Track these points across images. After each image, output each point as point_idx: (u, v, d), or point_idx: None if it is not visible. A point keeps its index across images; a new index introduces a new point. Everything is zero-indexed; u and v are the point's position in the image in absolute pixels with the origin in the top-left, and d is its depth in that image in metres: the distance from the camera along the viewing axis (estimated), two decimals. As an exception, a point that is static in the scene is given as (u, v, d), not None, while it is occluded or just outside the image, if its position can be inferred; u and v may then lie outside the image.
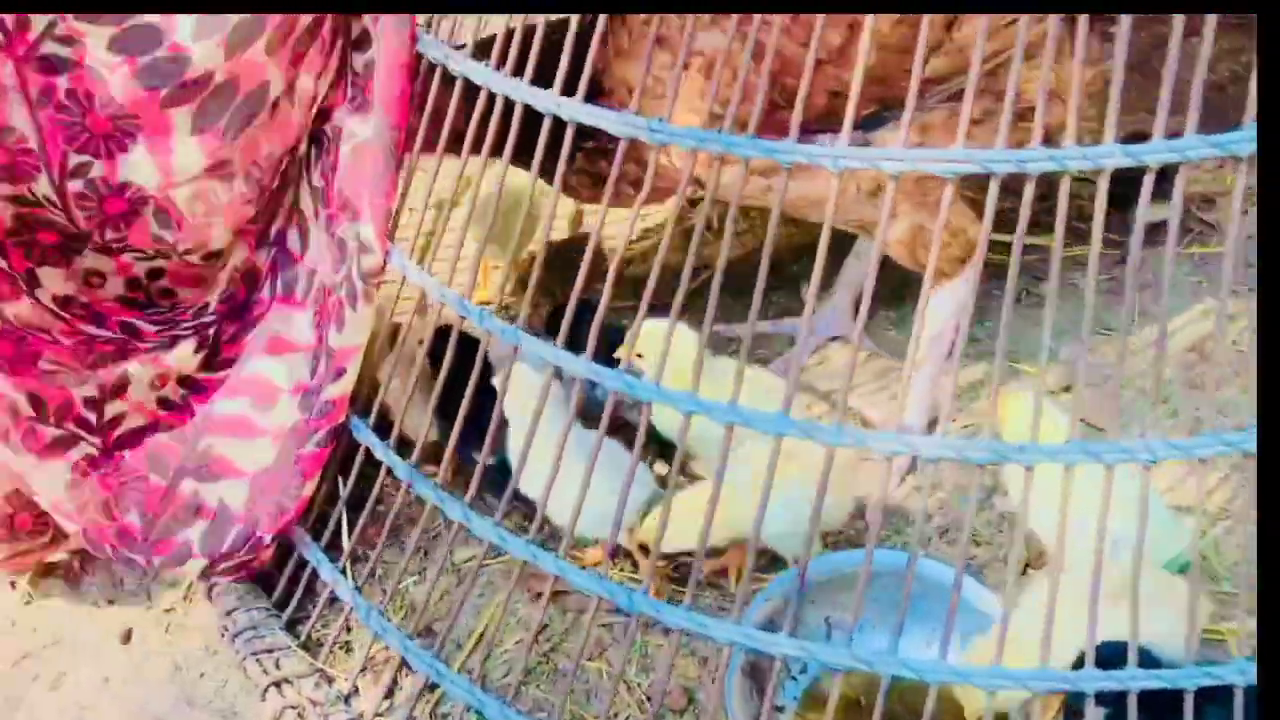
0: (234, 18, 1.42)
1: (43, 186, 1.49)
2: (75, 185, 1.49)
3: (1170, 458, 1.21)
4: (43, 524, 1.67)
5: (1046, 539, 1.27)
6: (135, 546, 1.61)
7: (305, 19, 1.47)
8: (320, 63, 1.56)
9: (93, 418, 1.61)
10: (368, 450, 1.61)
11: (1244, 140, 1.13)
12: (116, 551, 1.61)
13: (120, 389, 1.62)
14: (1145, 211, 1.16)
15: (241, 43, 1.43)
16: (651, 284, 1.34)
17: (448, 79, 1.50)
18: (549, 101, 1.36)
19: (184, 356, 1.65)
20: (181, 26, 1.41)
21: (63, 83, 1.43)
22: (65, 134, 1.46)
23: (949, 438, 1.24)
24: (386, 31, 1.51)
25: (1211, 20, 1.14)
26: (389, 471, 1.59)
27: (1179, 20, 1.13)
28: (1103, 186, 1.16)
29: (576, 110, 1.35)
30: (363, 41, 1.56)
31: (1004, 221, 1.27)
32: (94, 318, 1.63)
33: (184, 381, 1.67)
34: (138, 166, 1.49)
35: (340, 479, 1.65)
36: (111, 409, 1.62)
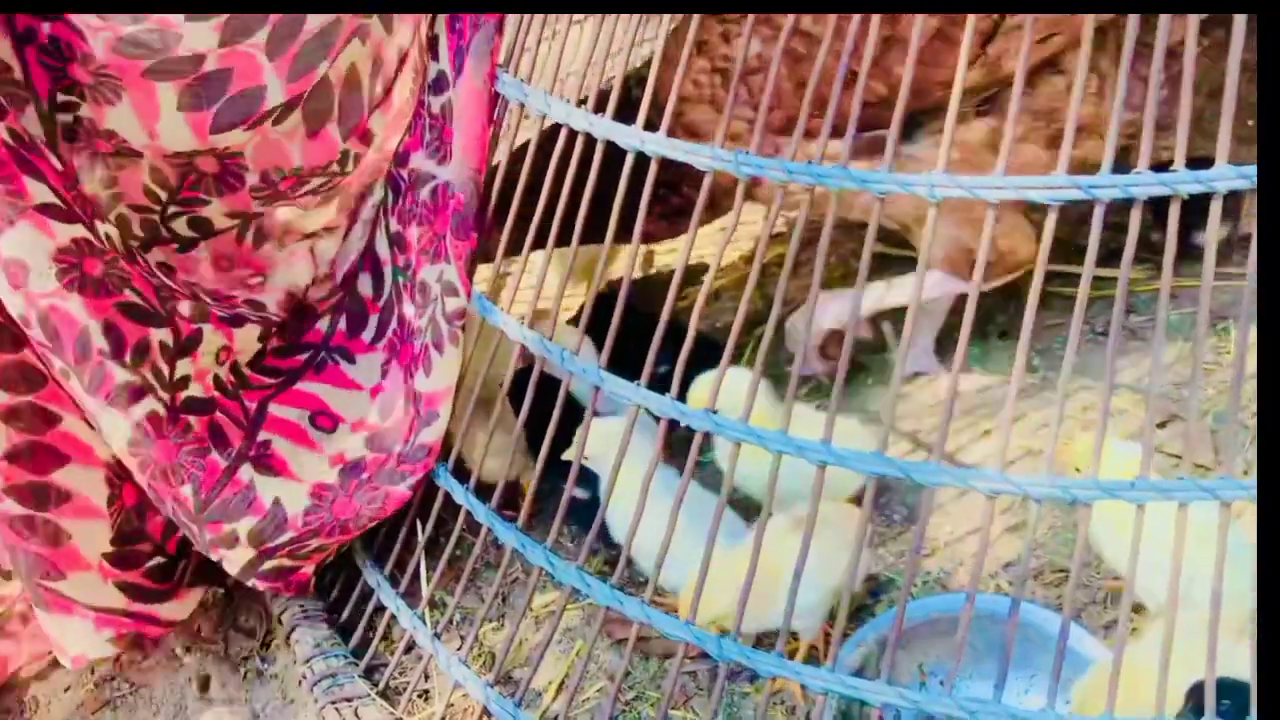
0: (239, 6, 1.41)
1: (31, 123, 1.45)
2: (65, 118, 1.47)
3: None
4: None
5: (1127, 578, 1.21)
6: (190, 517, 1.57)
7: (313, 25, 1.45)
8: (381, 98, 1.55)
9: (165, 369, 1.56)
10: (446, 494, 1.59)
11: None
12: (175, 512, 1.58)
13: (194, 345, 1.58)
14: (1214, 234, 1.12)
15: (239, 34, 1.41)
16: (737, 326, 1.31)
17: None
18: (632, 138, 1.34)
19: (249, 338, 1.64)
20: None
21: (45, 27, 1.42)
22: (50, 75, 1.44)
23: (1054, 476, 1.19)
24: (466, 72, 1.50)
25: None
26: (468, 516, 1.56)
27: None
28: (1215, 209, 1.11)
29: (660, 145, 1.32)
30: (439, 84, 1.56)
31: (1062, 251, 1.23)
32: (151, 272, 1.58)
33: (235, 370, 1.65)
34: (122, 120, 1.46)
35: (419, 523, 1.63)
36: (181, 367, 1.57)
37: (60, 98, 1.46)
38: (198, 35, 1.41)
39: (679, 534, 1.38)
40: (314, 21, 1.45)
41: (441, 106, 1.56)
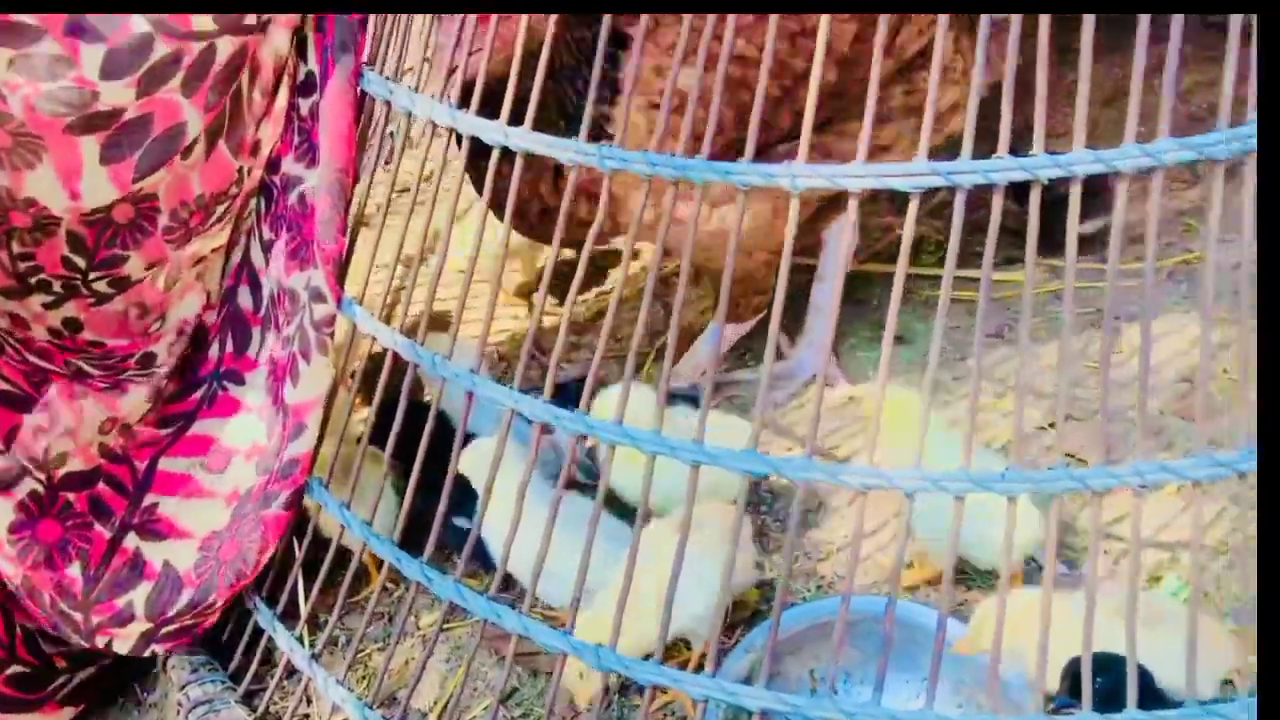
0: (153, 58, 1.36)
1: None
2: None
3: (1162, 480, 1.14)
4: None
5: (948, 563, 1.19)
6: (74, 604, 1.52)
7: (221, 57, 1.41)
8: (263, 106, 1.50)
9: (39, 452, 1.52)
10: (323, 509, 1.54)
11: (1221, 143, 1.07)
12: (54, 604, 1.52)
13: (72, 427, 1.53)
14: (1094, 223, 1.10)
15: (155, 83, 1.37)
16: (604, 336, 1.27)
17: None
18: (497, 133, 1.31)
19: (136, 404, 1.58)
20: (88, 63, 1.34)
21: None
22: None
23: (928, 470, 1.16)
24: (331, 69, 1.46)
25: (1178, 23, 1.08)
26: (345, 532, 1.51)
27: (1144, 21, 1.08)
28: (1074, 192, 1.10)
29: (525, 139, 1.29)
30: (308, 86, 1.51)
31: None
32: (38, 353, 1.54)
33: (125, 432, 1.59)
34: (42, 184, 1.41)
35: (295, 540, 1.57)
36: (58, 445, 1.53)
37: None
38: (114, 92, 1.36)
39: (563, 545, 1.34)
40: (222, 53, 1.41)
41: (310, 108, 1.51)
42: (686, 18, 1.23)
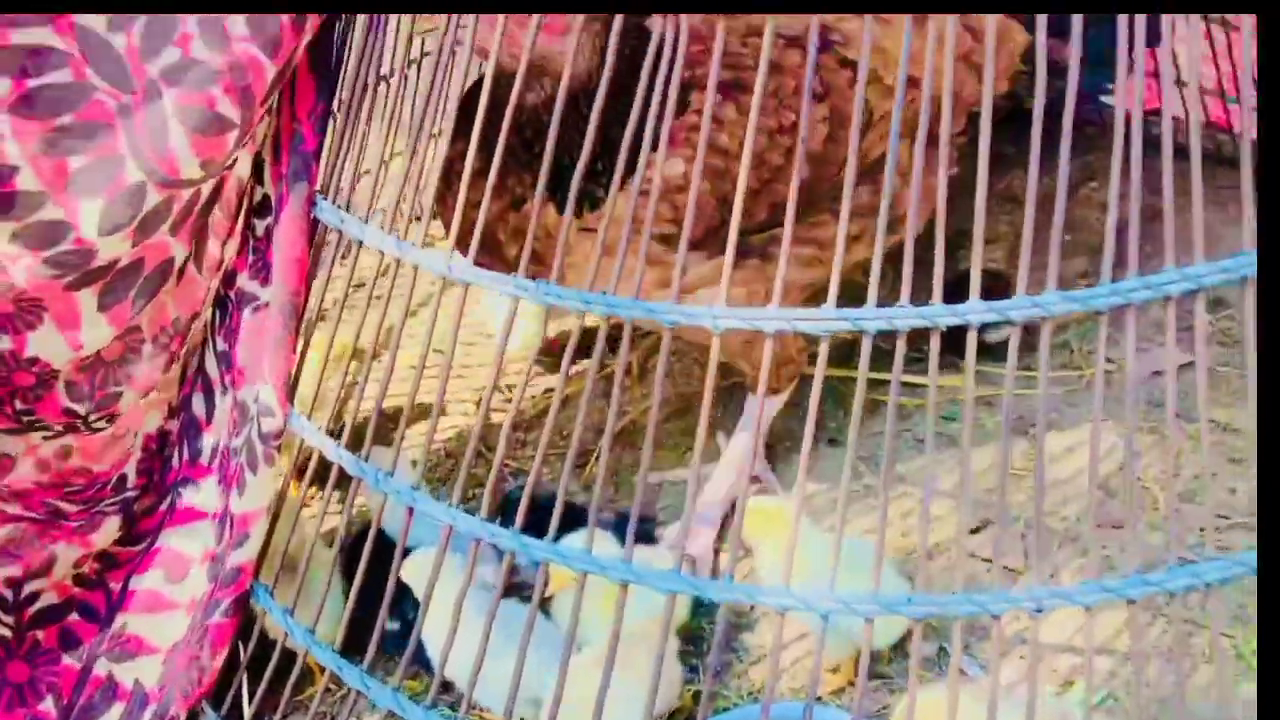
0: (145, 208, 1.43)
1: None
2: None
3: (1055, 605, 1.22)
4: None
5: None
6: None
7: (206, 190, 1.49)
8: (227, 227, 1.58)
9: (9, 595, 1.58)
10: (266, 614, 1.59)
11: (1102, 296, 1.17)
12: None
13: (44, 570, 1.60)
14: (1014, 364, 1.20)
15: (149, 231, 1.45)
16: (542, 445, 1.35)
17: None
18: (439, 263, 1.39)
19: (109, 534, 1.63)
20: (86, 220, 1.42)
21: None
22: None
23: (838, 591, 1.24)
24: (286, 196, 1.53)
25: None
26: (288, 638, 1.56)
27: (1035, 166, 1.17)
28: (970, 340, 1.19)
29: (465, 272, 1.37)
30: (264, 207, 1.59)
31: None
32: (14, 496, 1.60)
33: (100, 557, 1.64)
34: (46, 343, 1.48)
35: (240, 644, 1.62)
36: (29, 586, 1.59)
37: None
38: (111, 246, 1.43)
39: (503, 651, 1.39)
40: (205, 192, 1.48)
41: (265, 229, 1.59)
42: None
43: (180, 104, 1.40)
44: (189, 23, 1.42)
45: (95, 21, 1.42)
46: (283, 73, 1.44)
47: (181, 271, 1.54)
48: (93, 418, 1.57)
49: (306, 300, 1.56)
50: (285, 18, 1.39)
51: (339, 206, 1.53)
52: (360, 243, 1.49)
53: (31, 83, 1.41)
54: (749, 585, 1.25)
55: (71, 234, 1.42)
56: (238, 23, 1.40)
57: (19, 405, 1.52)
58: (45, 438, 1.57)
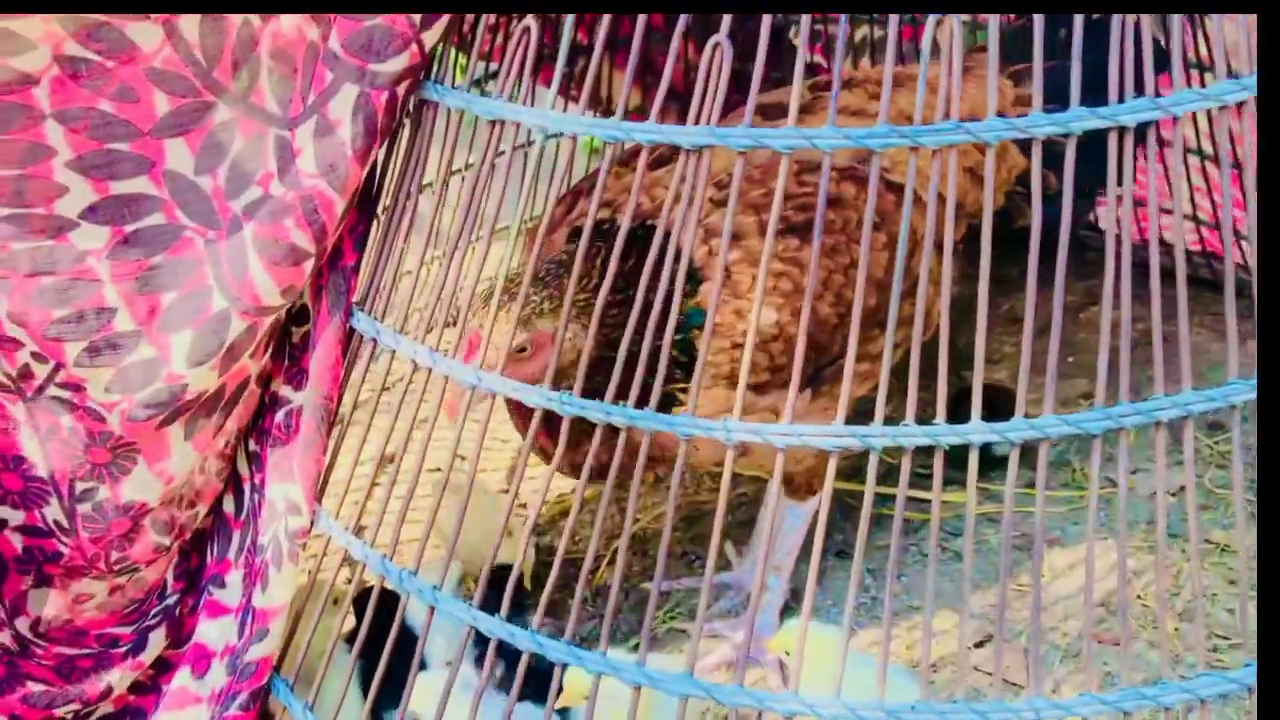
0: (231, 335, 1.52)
1: (54, 511, 1.59)
2: (84, 508, 1.59)
3: (1055, 716, 1.26)
4: None
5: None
6: None
7: (280, 318, 1.58)
8: (268, 335, 1.66)
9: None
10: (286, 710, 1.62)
11: (1096, 420, 1.23)
12: None
13: (104, 698, 1.66)
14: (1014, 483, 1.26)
15: (235, 358, 1.55)
16: (560, 554, 1.40)
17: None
18: (469, 375, 1.46)
19: (157, 646, 1.69)
20: (177, 355, 1.52)
21: (66, 422, 1.55)
22: (70, 465, 1.56)
23: (848, 699, 1.28)
24: (323, 307, 1.62)
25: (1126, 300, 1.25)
26: (307, 733, 1.59)
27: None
28: (972, 460, 1.26)
29: (494, 383, 1.44)
30: (301, 314, 1.67)
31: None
32: (73, 637, 1.67)
33: (157, 663, 1.70)
34: (140, 484, 1.59)
35: (260, 740, 1.65)
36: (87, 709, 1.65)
37: (79, 486, 1.58)
38: (200, 378, 1.54)
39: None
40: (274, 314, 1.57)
41: (301, 336, 1.67)
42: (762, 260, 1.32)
43: (258, 237, 1.51)
44: (269, 161, 1.53)
45: (184, 166, 1.55)
46: (350, 204, 1.55)
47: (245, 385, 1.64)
48: (174, 546, 1.66)
49: (339, 405, 1.63)
50: (353, 157, 1.50)
51: (374, 317, 1.61)
52: (393, 351, 1.57)
53: (129, 228, 1.54)
54: (759, 691, 1.30)
55: (164, 370, 1.52)
56: (308, 160, 1.51)
57: (115, 556, 1.62)
58: (118, 573, 1.65)
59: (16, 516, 1.60)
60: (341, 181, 1.50)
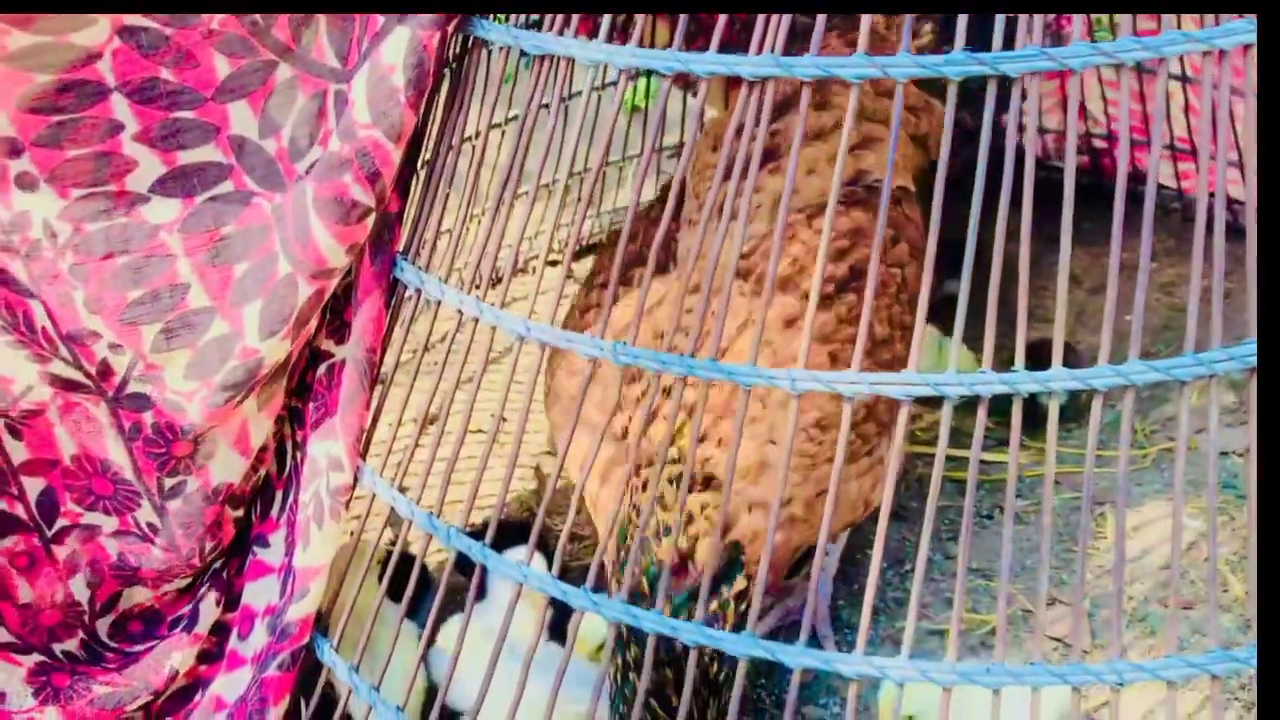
0: (299, 300, 1.49)
1: (145, 513, 1.58)
2: (174, 504, 1.58)
3: (1137, 679, 1.19)
4: None
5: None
6: None
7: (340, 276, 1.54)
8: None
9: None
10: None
11: (1188, 365, 1.16)
12: None
13: (171, 682, 1.64)
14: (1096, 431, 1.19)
15: (303, 324, 1.52)
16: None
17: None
18: (517, 325, 1.41)
19: (211, 612, 1.66)
20: (249, 328, 1.49)
21: (148, 418, 1.53)
22: (156, 462, 1.56)
23: (918, 661, 1.22)
24: (366, 257, 1.56)
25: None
26: (352, 695, 1.55)
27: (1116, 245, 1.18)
28: (1053, 408, 1.19)
29: (543, 332, 1.39)
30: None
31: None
32: (145, 634, 1.67)
33: (214, 629, 1.68)
34: (225, 466, 1.58)
35: (303, 701, 1.61)
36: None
37: (167, 482, 1.57)
38: (274, 349, 1.51)
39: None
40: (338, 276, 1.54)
41: (344, 288, 1.61)
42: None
43: (319, 197, 1.46)
44: (330, 118, 1.48)
45: (249, 130, 1.52)
46: (405, 154, 1.49)
47: None
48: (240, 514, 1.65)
49: (382, 358, 1.58)
50: (406, 103, 1.44)
51: (419, 267, 1.56)
52: (438, 302, 1.51)
53: (199, 198, 1.51)
54: (826, 653, 1.24)
55: (238, 345, 1.49)
56: (362, 110, 1.45)
57: (208, 546, 1.61)
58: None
59: (110, 523, 1.59)
60: (396, 130, 1.45)
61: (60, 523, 1.60)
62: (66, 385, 1.54)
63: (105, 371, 1.53)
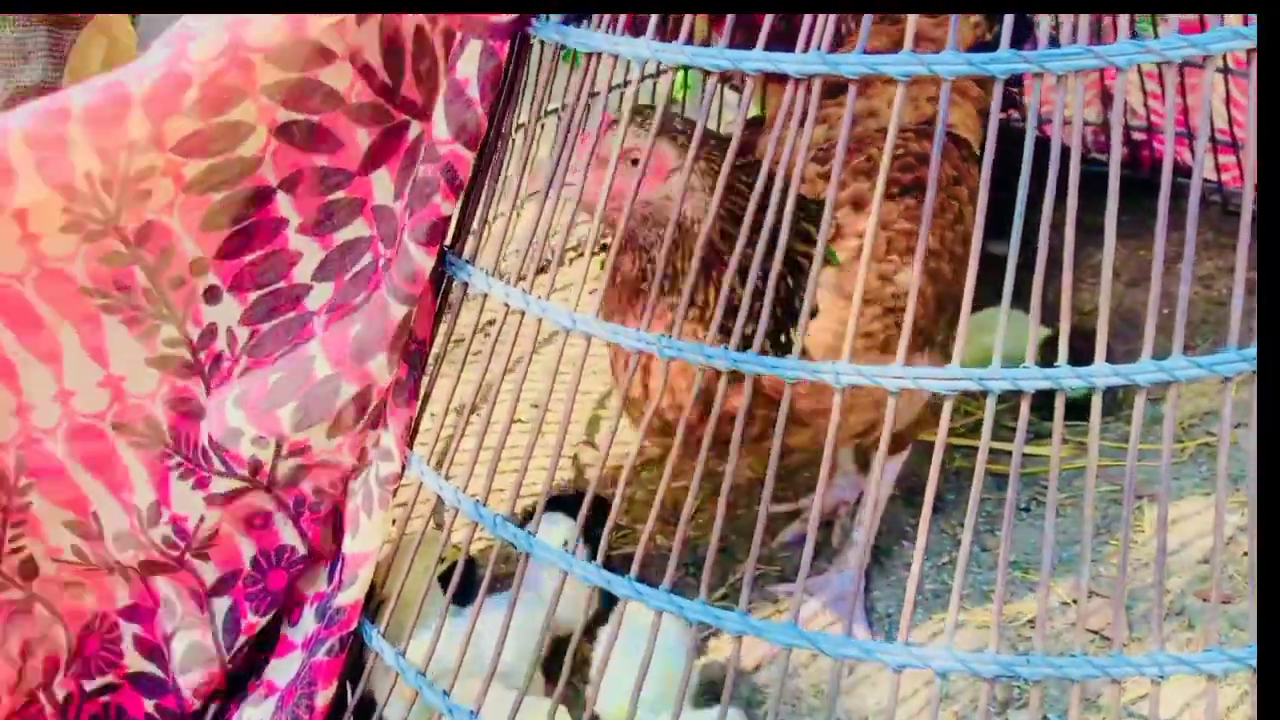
0: (398, 319, 1.52)
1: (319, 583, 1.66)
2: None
3: (1177, 672, 1.21)
4: None
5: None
6: None
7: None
8: None
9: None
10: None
11: (1230, 362, 1.17)
12: None
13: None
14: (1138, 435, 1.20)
15: (403, 336, 1.55)
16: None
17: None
18: (563, 317, 1.43)
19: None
20: (378, 375, 1.54)
21: (308, 487, 1.59)
22: (323, 530, 1.63)
23: (959, 650, 1.24)
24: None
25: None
26: (399, 680, 1.58)
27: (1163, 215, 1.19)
28: (1096, 403, 1.20)
29: (589, 325, 1.41)
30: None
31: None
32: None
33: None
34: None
35: (350, 686, 1.65)
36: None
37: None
38: (384, 373, 1.54)
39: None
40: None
41: (391, 282, 1.64)
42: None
43: (414, 227, 1.49)
44: (434, 169, 1.49)
45: (387, 196, 1.56)
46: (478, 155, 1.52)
47: None
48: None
49: (430, 349, 1.60)
50: (483, 112, 1.47)
51: (466, 260, 1.58)
52: (484, 294, 1.54)
53: (347, 276, 1.56)
54: (868, 642, 1.26)
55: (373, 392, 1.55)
56: (441, 126, 1.48)
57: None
58: None
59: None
60: (474, 138, 1.48)
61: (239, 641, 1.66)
62: (230, 497, 1.58)
63: (256, 468, 1.56)
